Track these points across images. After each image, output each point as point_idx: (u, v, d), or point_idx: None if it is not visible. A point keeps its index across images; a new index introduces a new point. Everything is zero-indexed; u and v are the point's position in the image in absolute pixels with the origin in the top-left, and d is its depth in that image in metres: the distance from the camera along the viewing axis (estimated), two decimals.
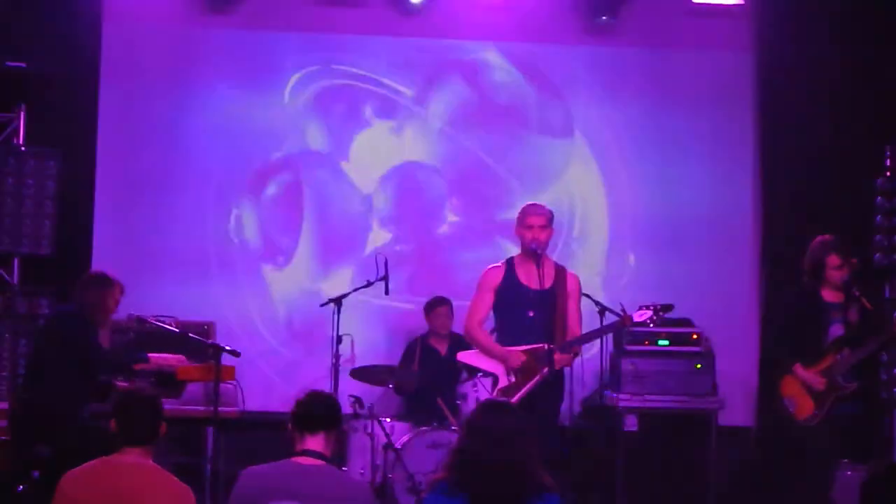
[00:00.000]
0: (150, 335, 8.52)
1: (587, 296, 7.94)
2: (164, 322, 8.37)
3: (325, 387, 8.18)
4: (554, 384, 7.56)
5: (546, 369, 7.37)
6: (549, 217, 7.69)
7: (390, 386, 8.99)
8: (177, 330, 8.31)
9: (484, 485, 4.47)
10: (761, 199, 10.01)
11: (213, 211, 9.93)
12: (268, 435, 8.49)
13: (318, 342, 9.58)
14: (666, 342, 9.15)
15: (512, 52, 10.17)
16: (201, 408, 8.36)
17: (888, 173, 9.48)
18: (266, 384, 9.63)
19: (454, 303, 9.32)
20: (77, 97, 9.58)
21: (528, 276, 7.62)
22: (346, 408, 7.80)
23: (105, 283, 7.80)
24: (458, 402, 7.80)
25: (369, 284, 8.87)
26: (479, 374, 7.64)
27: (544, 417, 7.45)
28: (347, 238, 10.04)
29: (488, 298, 7.72)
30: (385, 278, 8.77)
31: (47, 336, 7.82)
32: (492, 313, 7.78)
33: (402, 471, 8.26)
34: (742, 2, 9.92)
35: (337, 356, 8.59)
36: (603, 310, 8.15)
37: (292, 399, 5.11)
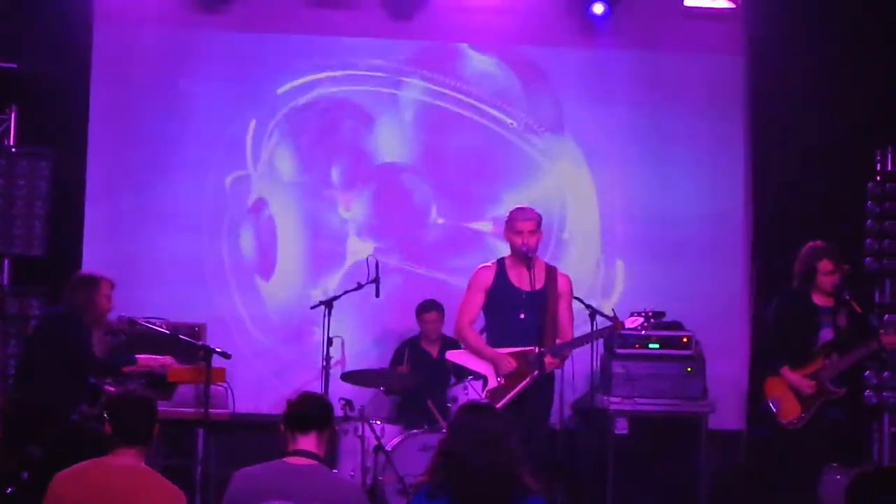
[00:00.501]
0: (140, 337, 8.50)
1: (578, 299, 7.94)
2: (154, 324, 8.36)
3: (316, 389, 8.17)
4: (544, 386, 7.58)
5: (536, 372, 7.38)
6: (538, 221, 7.71)
7: (381, 388, 8.99)
8: (167, 332, 8.30)
9: (467, 486, 4.46)
10: (752, 201, 10.02)
11: (206, 213, 9.91)
12: (258, 437, 8.49)
13: (308, 344, 9.58)
14: (656, 345, 9.15)
15: (503, 54, 10.16)
16: (192, 410, 8.36)
17: (878, 177, 9.50)
18: (257, 386, 9.62)
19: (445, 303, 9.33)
20: (68, 98, 9.56)
21: (519, 278, 7.63)
22: (337, 410, 7.79)
23: (92, 283, 7.79)
24: (449, 404, 7.81)
25: (360, 287, 8.86)
26: (470, 377, 7.65)
27: (534, 420, 7.47)
28: (336, 242, 10.03)
29: (479, 298, 7.74)
30: (376, 281, 8.76)
31: (38, 338, 7.82)
32: (482, 313, 7.79)
33: (393, 473, 8.24)
34: (734, 5, 9.94)
35: (327, 358, 8.58)
36: (594, 313, 8.15)
37: (283, 401, 5.12)
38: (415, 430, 8.53)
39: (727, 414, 9.55)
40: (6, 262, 9.36)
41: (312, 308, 8.89)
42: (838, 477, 8.25)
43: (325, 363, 8.57)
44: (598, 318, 7.80)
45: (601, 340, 8.83)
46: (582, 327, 7.97)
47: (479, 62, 10.18)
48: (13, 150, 9.36)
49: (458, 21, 10.03)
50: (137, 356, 7.86)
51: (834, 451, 8.13)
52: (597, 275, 10.05)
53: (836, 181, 9.58)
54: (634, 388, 9.02)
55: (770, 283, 9.16)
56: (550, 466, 7.83)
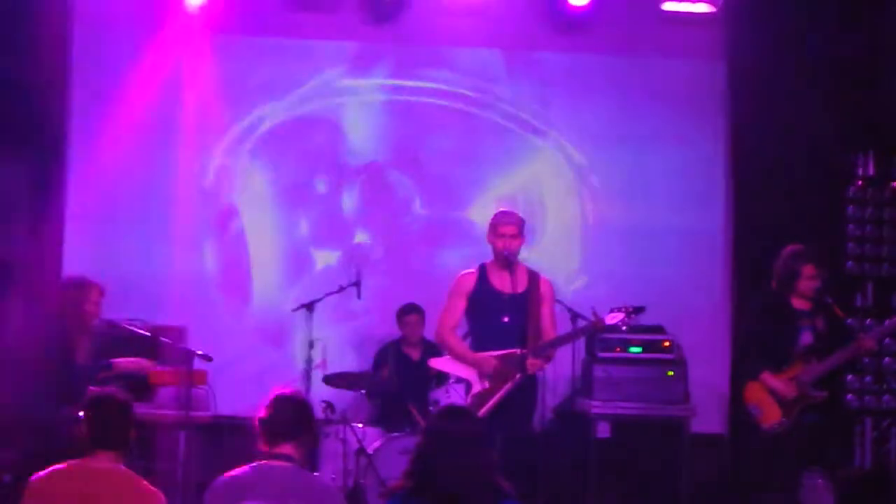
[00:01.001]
0: (122, 339, 8.47)
1: (559, 302, 7.95)
2: (135, 326, 8.34)
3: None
4: (528, 389, 7.58)
5: (519, 375, 7.39)
6: (521, 225, 7.73)
7: (362, 391, 9.00)
8: (149, 334, 8.28)
9: (441, 489, 4.45)
10: (734, 206, 10.02)
11: (185, 215, 9.89)
12: (240, 440, 8.45)
13: (290, 347, 9.58)
14: (638, 349, 9.15)
15: (486, 57, 10.18)
16: (173, 412, 8.33)
17: (860, 182, 9.54)
18: (239, 389, 9.58)
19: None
20: (47, 104, 9.50)
21: (501, 282, 7.64)
22: (319, 413, 7.79)
23: (80, 288, 7.76)
24: (431, 407, 7.80)
25: (342, 289, 8.86)
26: (452, 380, 7.66)
27: (518, 423, 7.48)
28: (323, 241, 10.05)
29: (460, 304, 7.74)
30: (357, 283, 8.76)
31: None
32: (464, 319, 7.79)
33: (374, 476, 8.25)
34: (714, 10, 9.95)
35: (309, 361, 8.58)
36: (575, 316, 8.17)
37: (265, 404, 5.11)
38: (396, 434, 8.54)
39: (709, 418, 9.55)
40: None
41: (294, 311, 8.88)
42: (819, 481, 8.26)
43: (306, 366, 8.57)
44: (579, 320, 7.80)
45: (583, 344, 8.87)
46: (564, 331, 7.98)
47: (458, 65, 10.18)
48: None
49: (439, 23, 10.03)
50: (114, 361, 7.84)
51: (815, 455, 8.14)
52: (578, 278, 10.05)
53: (817, 186, 9.60)
54: (616, 391, 9.01)
55: (752, 287, 9.17)
56: (532, 470, 7.83)
